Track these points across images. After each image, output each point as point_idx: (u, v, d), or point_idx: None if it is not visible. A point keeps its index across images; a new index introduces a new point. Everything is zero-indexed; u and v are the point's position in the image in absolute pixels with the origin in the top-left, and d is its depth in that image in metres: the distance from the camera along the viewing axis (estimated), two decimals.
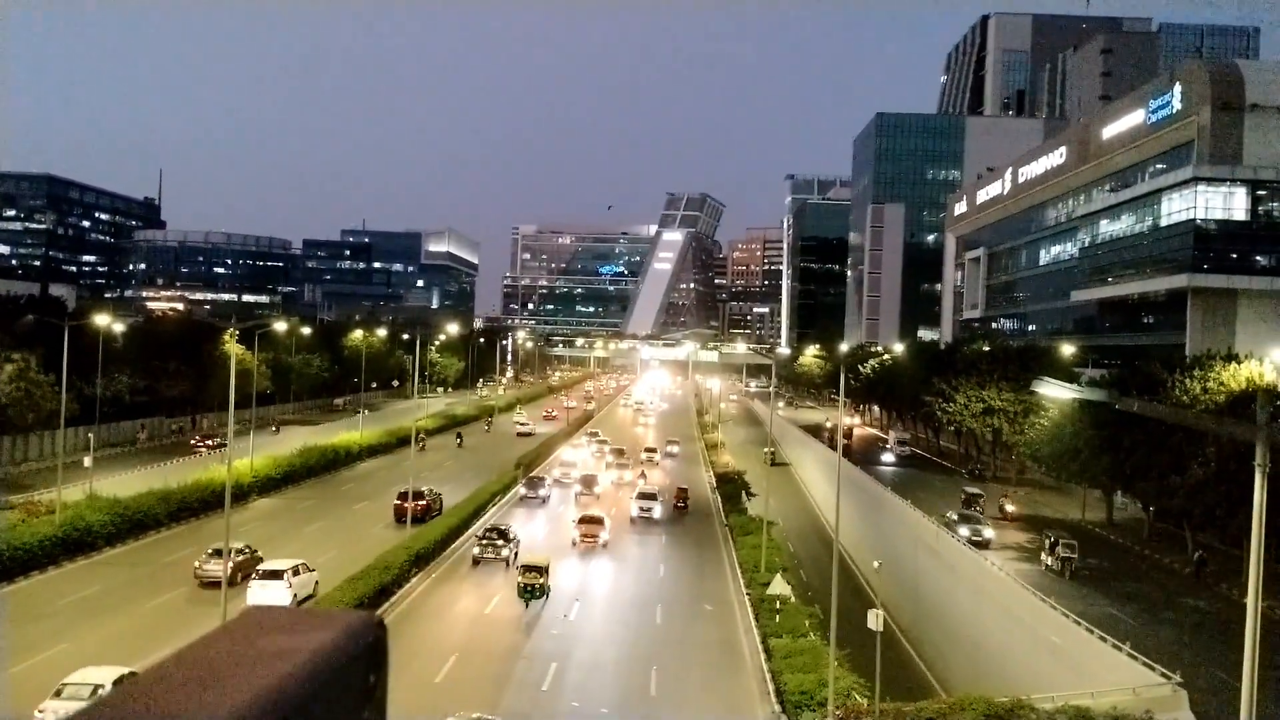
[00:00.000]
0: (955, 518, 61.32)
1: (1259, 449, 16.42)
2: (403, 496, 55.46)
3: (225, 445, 53.76)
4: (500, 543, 48.75)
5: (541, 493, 67.46)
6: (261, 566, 41.03)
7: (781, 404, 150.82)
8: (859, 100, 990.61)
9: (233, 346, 60.01)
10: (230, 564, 37.11)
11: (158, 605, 39.27)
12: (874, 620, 29.63)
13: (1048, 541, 55.88)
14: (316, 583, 41.57)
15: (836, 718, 28.31)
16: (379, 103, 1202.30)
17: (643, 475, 76.64)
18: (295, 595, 39.31)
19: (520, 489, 68.42)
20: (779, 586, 39.78)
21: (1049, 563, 54.50)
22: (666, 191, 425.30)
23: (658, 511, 62.39)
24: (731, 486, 71.71)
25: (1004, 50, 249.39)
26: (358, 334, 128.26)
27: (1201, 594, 51.14)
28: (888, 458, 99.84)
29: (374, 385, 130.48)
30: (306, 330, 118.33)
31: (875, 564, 48.37)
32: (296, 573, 40.46)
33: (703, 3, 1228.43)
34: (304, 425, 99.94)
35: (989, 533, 60.68)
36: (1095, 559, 57.85)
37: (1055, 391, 67.80)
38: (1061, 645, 35.72)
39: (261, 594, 37.96)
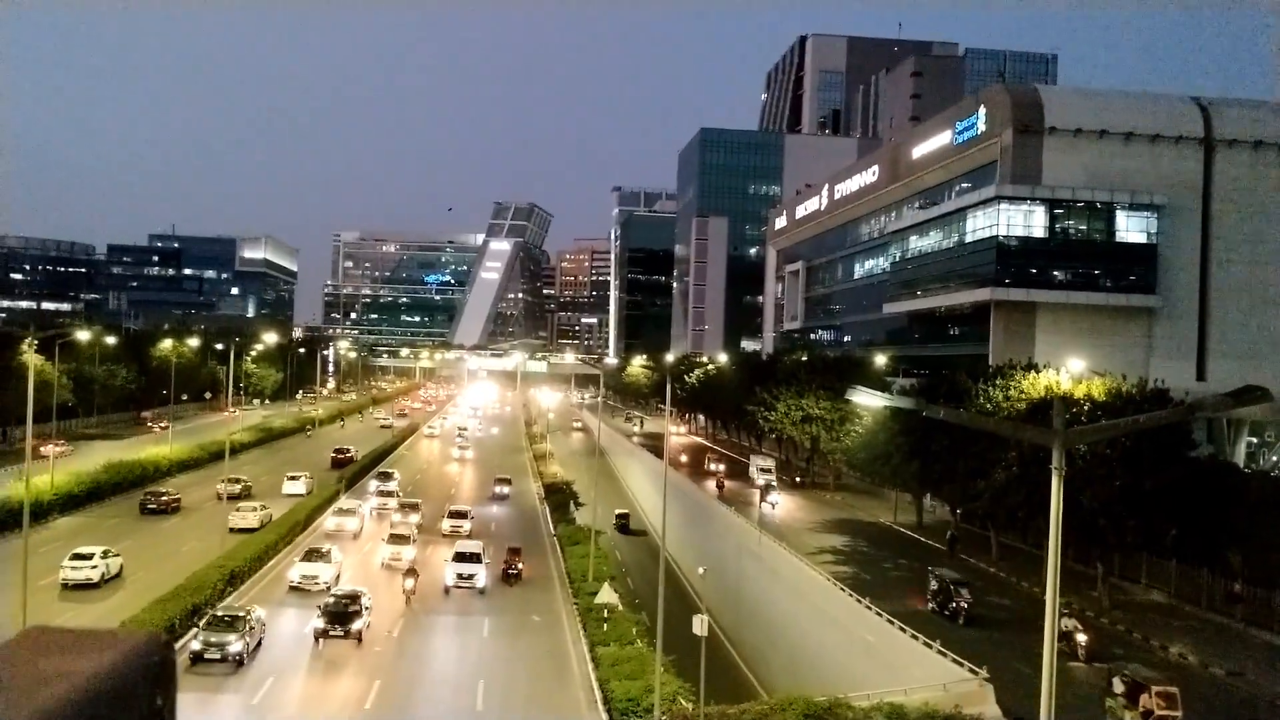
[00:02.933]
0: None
1: (1055, 453, 17.41)
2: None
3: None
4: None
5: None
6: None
7: (625, 420, 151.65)
8: (685, 115, 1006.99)
9: (31, 357, 56.32)
10: None
11: None
12: (699, 625, 30.14)
13: (936, 583, 48.45)
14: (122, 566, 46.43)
15: None
16: (190, 103, 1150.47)
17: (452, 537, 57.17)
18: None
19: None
20: (606, 595, 40.01)
21: (933, 607, 47.61)
22: (494, 200, 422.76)
23: (481, 578, 47.38)
24: (560, 496, 71.71)
25: (821, 70, 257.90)
26: (167, 344, 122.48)
27: (952, 562, 57.19)
28: (766, 507, 72.40)
29: (185, 397, 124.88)
30: (111, 339, 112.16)
31: (700, 570, 49.28)
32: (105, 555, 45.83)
33: (530, 14, 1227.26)
34: (109, 440, 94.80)
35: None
36: (906, 559, 60.47)
37: (868, 400, 70.12)
38: (876, 644, 37.13)
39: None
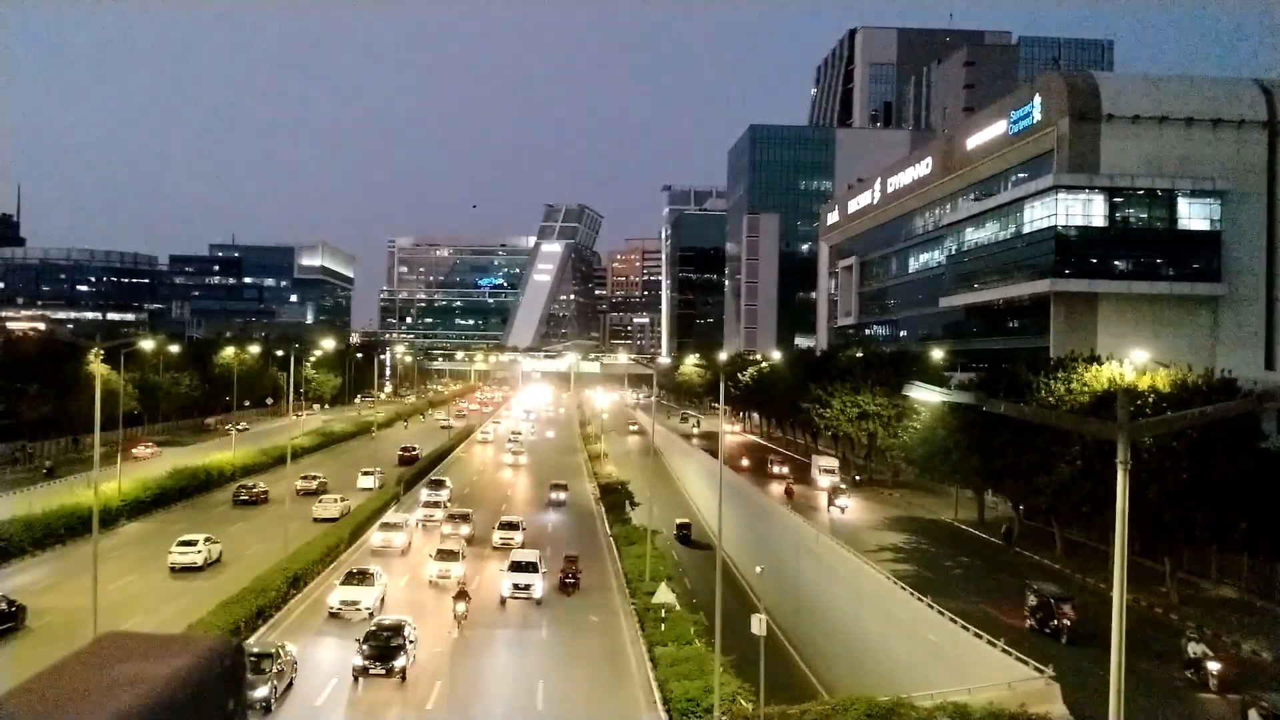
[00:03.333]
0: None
1: (1120, 447, 17.05)
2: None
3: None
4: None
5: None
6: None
7: (680, 420, 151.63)
8: (734, 112, 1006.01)
9: (98, 367, 57.53)
10: None
11: (24, 635, 37.44)
12: (757, 625, 29.93)
13: (1035, 599, 44.54)
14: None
15: None
16: (247, 115, 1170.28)
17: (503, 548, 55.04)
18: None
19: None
20: (663, 595, 39.89)
21: (1032, 624, 43.72)
22: (545, 203, 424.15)
23: (538, 588, 45.62)
24: (615, 496, 71.76)
25: (871, 63, 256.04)
26: (229, 351, 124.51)
27: (1008, 554, 59.28)
28: (835, 511, 72.35)
29: (247, 403, 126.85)
30: (175, 348, 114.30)
31: (758, 569, 49.00)
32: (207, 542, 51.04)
33: (577, 15, 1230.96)
34: (173, 446, 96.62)
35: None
36: (967, 557, 59.73)
37: (926, 395, 69.67)
38: (938, 643, 36.62)
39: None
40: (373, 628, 36.28)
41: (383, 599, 43.85)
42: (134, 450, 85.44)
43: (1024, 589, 45.67)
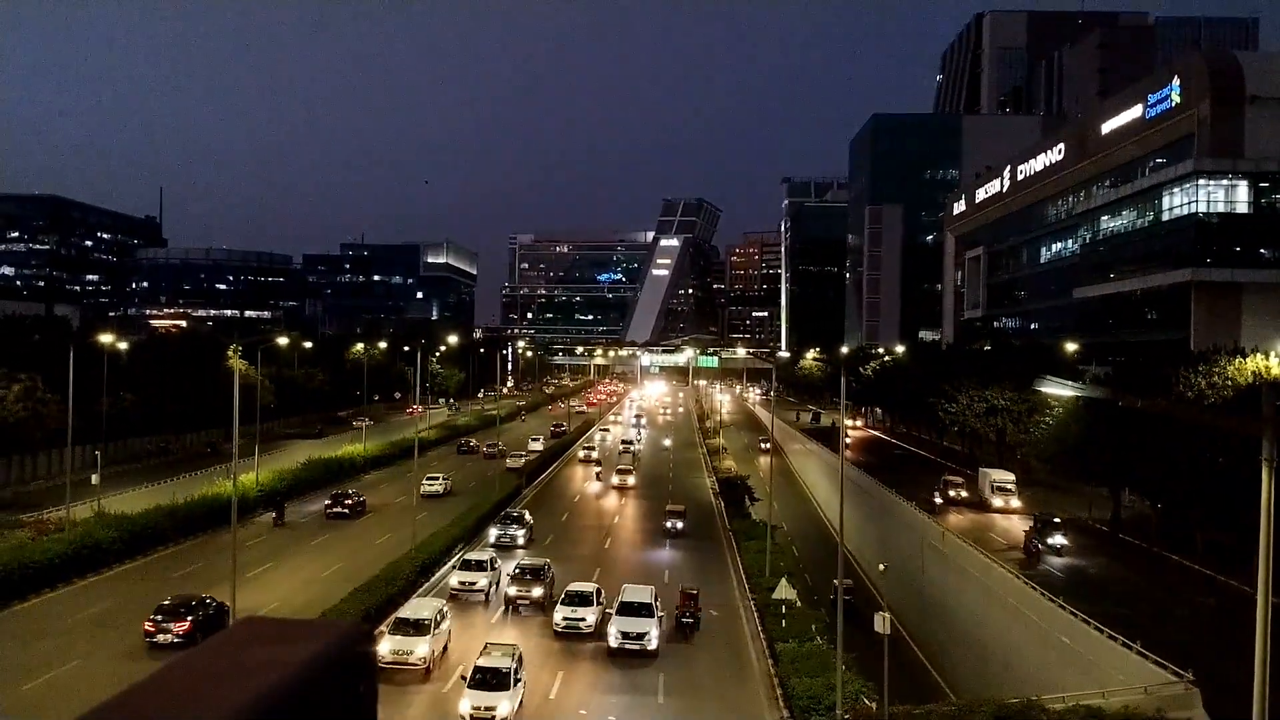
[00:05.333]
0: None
1: (1265, 443, 16.32)
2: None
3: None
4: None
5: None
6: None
7: (797, 416, 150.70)
8: (855, 102, 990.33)
9: (236, 362, 60.01)
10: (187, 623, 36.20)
11: None
12: (880, 623, 29.51)
13: None
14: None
15: None
16: (375, 117, 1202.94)
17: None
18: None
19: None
20: (784, 591, 39.65)
21: None
22: (663, 197, 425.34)
23: (653, 637, 37.62)
24: (734, 492, 71.66)
25: (999, 48, 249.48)
26: (359, 347, 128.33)
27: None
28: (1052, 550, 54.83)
29: (376, 397, 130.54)
30: (308, 344, 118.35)
31: (881, 567, 48.35)
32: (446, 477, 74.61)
33: (695, 8, 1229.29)
34: (306, 439, 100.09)
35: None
36: (1103, 557, 57.76)
37: (1058, 390, 67.72)
38: (1071, 645, 35.62)
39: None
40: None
41: (497, 583, 45.96)
42: (354, 422, 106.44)
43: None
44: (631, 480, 79.61)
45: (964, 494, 69.84)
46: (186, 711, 1.43)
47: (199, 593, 39.06)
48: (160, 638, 35.08)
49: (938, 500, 69.22)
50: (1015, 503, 67.69)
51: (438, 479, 72.98)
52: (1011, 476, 71.06)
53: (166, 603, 36.85)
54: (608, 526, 64.56)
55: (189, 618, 35.77)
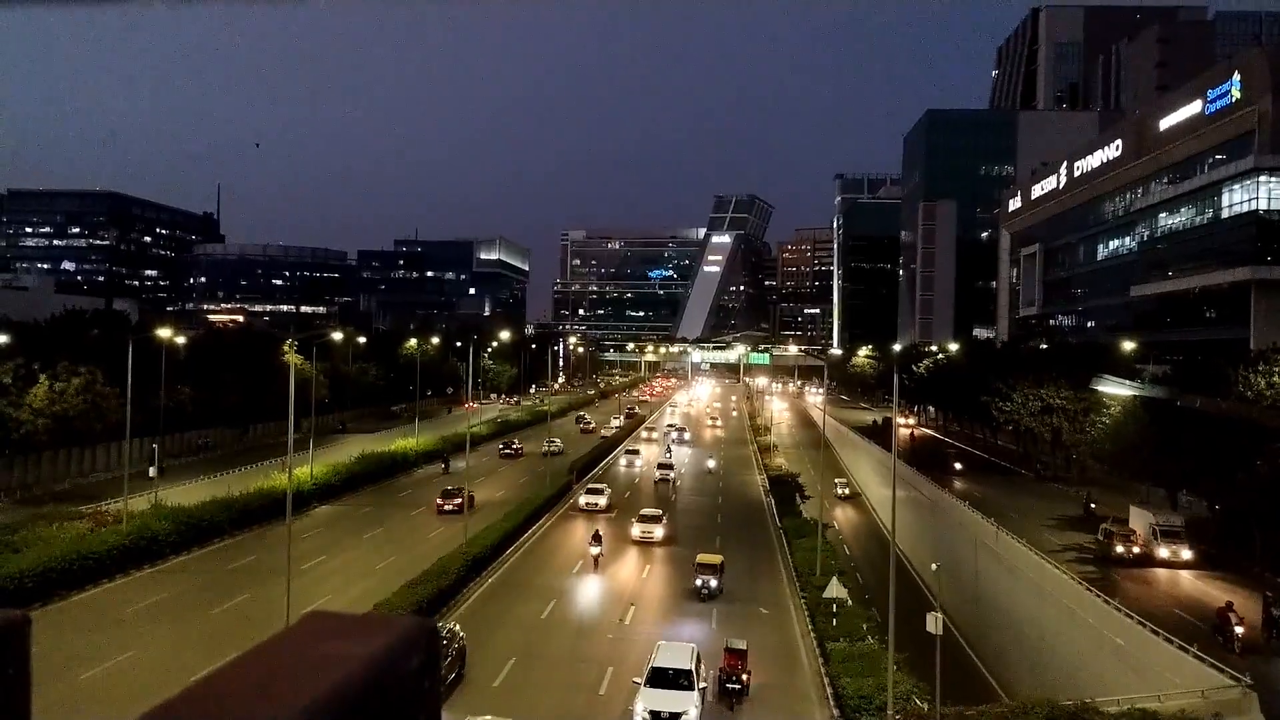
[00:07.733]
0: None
1: None
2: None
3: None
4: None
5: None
6: None
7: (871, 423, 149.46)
8: (909, 98, 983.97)
9: (292, 357, 60.68)
10: None
11: (223, 612, 39.91)
12: (933, 623, 29.28)
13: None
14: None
15: None
16: (428, 113, 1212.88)
17: None
18: None
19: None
20: (835, 589, 39.44)
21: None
22: (714, 194, 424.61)
23: (694, 713, 30.41)
24: (785, 489, 71.40)
25: (1056, 43, 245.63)
26: (412, 342, 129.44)
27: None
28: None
29: (429, 392, 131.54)
30: (362, 340, 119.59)
31: (933, 566, 47.89)
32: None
33: (751, 2, 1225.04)
34: (361, 434, 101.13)
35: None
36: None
37: (1114, 389, 66.68)
38: (1125, 647, 35.14)
39: None
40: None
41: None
42: (466, 406, 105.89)
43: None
44: (659, 533, 57.34)
45: (1136, 549, 52.22)
46: (253, 706, 1.46)
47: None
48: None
49: (1099, 543, 54.40)
50: (1186, 554, 51.49)
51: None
52: (1180, 519, 54.86)
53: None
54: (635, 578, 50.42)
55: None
